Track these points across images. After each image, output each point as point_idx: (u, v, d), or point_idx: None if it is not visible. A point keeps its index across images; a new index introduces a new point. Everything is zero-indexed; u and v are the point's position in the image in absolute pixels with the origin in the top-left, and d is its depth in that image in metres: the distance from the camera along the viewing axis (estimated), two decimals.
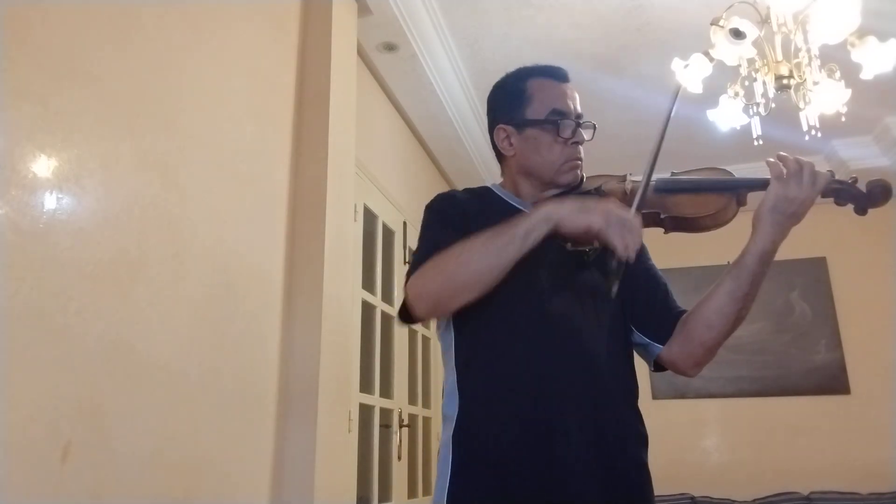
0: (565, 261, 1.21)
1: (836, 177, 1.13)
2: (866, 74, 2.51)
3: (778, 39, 2.48)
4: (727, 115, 2.77)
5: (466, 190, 1.35)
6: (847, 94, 2.57)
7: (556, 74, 1.31)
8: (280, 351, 2.05)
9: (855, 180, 1.13)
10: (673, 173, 1.25)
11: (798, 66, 2.47)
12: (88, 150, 1.42)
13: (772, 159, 1.13)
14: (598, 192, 1.23)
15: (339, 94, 2.38)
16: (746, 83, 2.63)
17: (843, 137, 4.01)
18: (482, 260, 1.11)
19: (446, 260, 1.14)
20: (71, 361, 1.31)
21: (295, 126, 2.28)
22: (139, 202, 1.55)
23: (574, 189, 1.27)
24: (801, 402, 4.46)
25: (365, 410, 2.79)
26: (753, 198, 1.19)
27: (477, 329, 1.20)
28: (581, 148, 1.28)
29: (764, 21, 2.50)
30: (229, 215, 1.88)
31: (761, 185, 1.13)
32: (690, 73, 2.61)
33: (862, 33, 2.43)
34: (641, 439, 1.20)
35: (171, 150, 1.67)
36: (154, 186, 1.60)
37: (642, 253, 1.33)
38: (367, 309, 2.92)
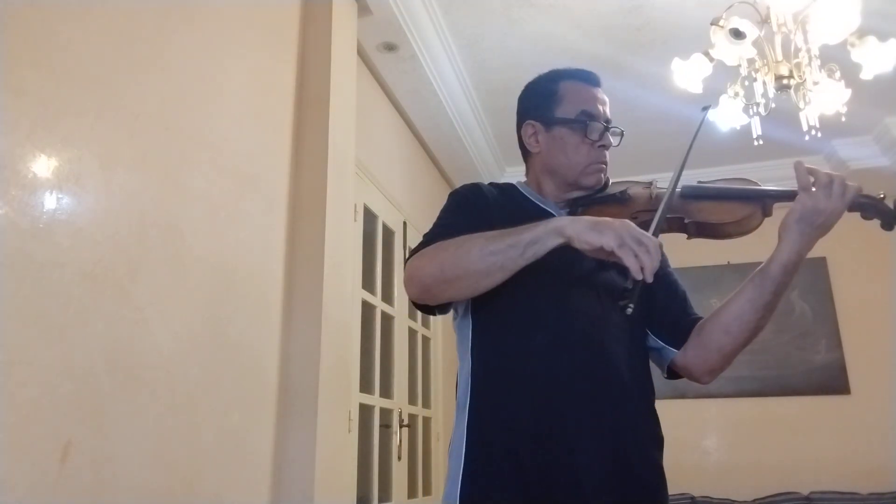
0: (587, 260, 1.21)
1: (864, 191, 1.12)
2: (866, 74, 2.51)
3: (778, 39, 2.48)
4: (727, 115, 2.77)
5: (492, 184, 1.35)
6: (847, 94, 2.57)
7: (588, 78, 1.32)
8: (280, 351, 2.05)
9: (883, 196, 1.13)
10: (699, 182, 1.25)
11: (798, 66, 2.47)
12: (88, 150, 1.42)
13: (801, 167, 1.09)
14: (623, 196, 1.22)
15: (339, 94, 2.38)
16: (746, 83, 2.63)
17: (843, 137, 4.01)
18: (480, 256, 1.07)
19: (446, 247, 1.11)
20: (71, 361, 1.32)
21: (295, 126, 2.28)
22: (139, 202, 1.55)
23: (598, 192, 1.26)
24: (801, 402, 4.46)
25: (365, 410, 2.79)
26: (780, 209, 1.17)
27: (496, 319, 1.19)
28: (607, 153, 1.28)
29: (764, 21, 2.50)
30: (229, 215, 1.88)
31: (789, 196, 1.12)
32: (690, 73, 2.61)
33: (862, 33, 2.43)
34: (657, 441, 1.20)
35: (171, 150, 1.67)
36: (154, 186, 1.60)
37: (662, 260, 1.33)
38: (367, 309, 2.92)
